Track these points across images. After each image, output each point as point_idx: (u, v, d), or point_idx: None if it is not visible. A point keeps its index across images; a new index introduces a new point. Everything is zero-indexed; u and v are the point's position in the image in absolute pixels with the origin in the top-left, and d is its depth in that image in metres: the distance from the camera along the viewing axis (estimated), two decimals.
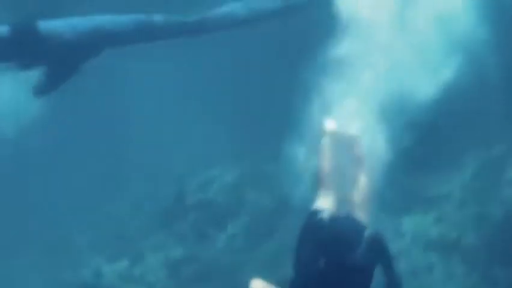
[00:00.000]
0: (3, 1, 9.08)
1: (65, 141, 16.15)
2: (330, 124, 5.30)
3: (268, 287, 4.47)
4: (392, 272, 4.42)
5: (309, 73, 5.86)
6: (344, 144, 5.51)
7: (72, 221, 14.11)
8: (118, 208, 14.15)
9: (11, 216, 14.52)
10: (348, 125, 5.61)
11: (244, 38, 11.26)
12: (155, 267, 11.54)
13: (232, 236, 11.63)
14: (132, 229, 12.99)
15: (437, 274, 9.36)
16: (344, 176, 5.27)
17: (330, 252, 4.41)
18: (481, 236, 9.36)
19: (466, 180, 10.37)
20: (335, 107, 5.66)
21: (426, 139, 10.64)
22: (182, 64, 14.63)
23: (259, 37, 11.62)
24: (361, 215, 4.90)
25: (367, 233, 4.59)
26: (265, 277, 4.72)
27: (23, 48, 7.89)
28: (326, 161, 5.10)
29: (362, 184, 5.18)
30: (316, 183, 5.08)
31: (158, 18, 8.71)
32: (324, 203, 4.93)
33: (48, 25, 7.97)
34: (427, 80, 6.31)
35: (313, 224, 4.70)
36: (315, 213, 4.80)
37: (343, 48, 5.94)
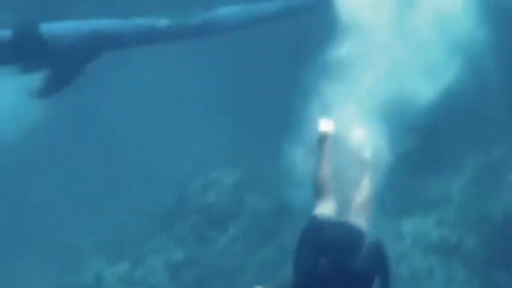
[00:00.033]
0: (8, 4, 9.09)
1: (66, 145, 16.16)
2: (326, 127, 5.27)
3: None
4: (387, 284, 4.42)
5: (309, 75, 5.87)
6: (345, 146, 5.51)
7: (72, 224, 14.11)
8: (119, 211, 14.15)
9: (12, 219, 14.52)
10: (351, 127, 5.61)
11: (244, 39, 11.29)
12: (156, 270, 11.53)
13: (232, 239, 11.63)
14: (133, 232, 12.98)
15: (438, 277, 9.35)
16: (344, 179, 5.27)
17: (330, 258, 4.42)
18: (482, 239, 9.36)
19: (466, 183, 10.37)
20: (335, 109, 5.67)
21: (427, 142, 10.64)
22: (182, 66, 14.64)
23: (259, 38, 11.65)
24: (361, 219, 4.90)
25: (369, 240, 4.60)
26: (266, 280, 4.72)
27: (25, 51, 7.92)
28: (325, 168, 5.08)
29: (364, 188, 5.17)
30: (315, 191, 5.07)
31: (160, 21, 8.75)
32: (325, 209, 4.93)
33: (50, 28, 8.01)
34: (427, 83, 6.32)
35: (313, 229, 4.70)
36: (315, 218, 4.81)
37: (343, 50, 5.95)
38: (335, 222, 4.77)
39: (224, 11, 9.16)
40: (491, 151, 10.46)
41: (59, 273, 12.53)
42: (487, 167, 10.33)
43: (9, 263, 13.38)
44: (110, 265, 12.20)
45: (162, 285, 11.40)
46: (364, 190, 5.16)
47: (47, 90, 8.74)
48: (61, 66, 8.36)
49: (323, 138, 5.19)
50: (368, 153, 5.41)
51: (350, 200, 5.12)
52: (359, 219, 4.89)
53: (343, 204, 5.13)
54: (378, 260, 4.47)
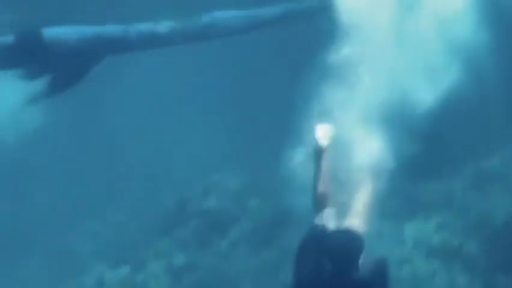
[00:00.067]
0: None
1: (67, 148, 16.19)
2: (322, 140, 5.23)
3: None
4: None
5: (310, 78, 5.88)
6: (345, 151, 5.52)
7: (74, 227, 14.12)
8: (120, 215, 14.15)
9: (13, 222, 14.54)
10: (352, 132, 5.62)
11: (247, 43, 11.31)
12: (157, 274, 11.52)
13: (233, 243, 11.62)
14: (134, 236, 12.98)
15: (439, 281, 9.33)
16: (343, 183, 5.28)
17: (330, 264, 4.43)
18: (483, 242, 9.35)
19: (467, 186, 10.37)
20: (335, 113, 5.67)
21: (428, 146, 10.65)
22: (184, 68, 14.67)
23: (261, 41, 11.67)
24: (360, 224, 4.91)
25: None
26: (267, 285, 4.74)
27: (28, 56, 7.94)
28: (323, 181, 5.08)
29: (364, 192, 5.18)
30: (315, 204, 5.07)
31: (162, 26, 8.77)
32: (324, 220, 4.95)
33: (52, 32, 8.03)
34: (428, 87, 6.32)
35: (313, 237, 4.72)
36: (315, 228, 4.83)
37: (343, 53, 5.96)
38: (334, 230, 4.79)
39: (225, 15, 9.17)
40: (492, 155, 10.46)
41: (60, 277, 12.52)
42: (488, 171, 10.34)
43: (11, 266, 13.39)
44: (111, 269, 12.19)
45: None
46: (363, 195, 5.17)
47: (49, 94, 8.76)
48: (63, 70, 8.38)
49: (319, 152, 5.16)
50: (367, 158, 5.41)
51: (349, 204, 5.13)
52: (358, 224, 4.90)
53: (342, 209, 5.14)
54: (380, 279, 4.50)
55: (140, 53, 9.43)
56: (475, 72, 6.84)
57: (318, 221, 4.91)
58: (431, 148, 10.69)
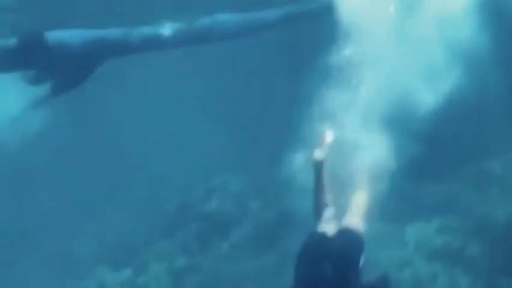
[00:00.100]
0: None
1: (68, 151, 16.20)
2: (320, 154, 5.22)
3: None
4: None
5: (311, 81, 5.89)
6: (345, 152, 5.52)
7: (75, 230, 14.13)
8: (122, 217, 14.16)
9: (15, 225, 14.55)
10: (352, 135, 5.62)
11: (248, 45, 11.33)
12: (159, 276, 11.52)
13: (235, 245, 11.62)
14: (135, 238, 12.99)
15: (441, 283, 9.32)
16: (343, 185, 5.29)
17: (330, 268, 4.45)
18: (484, 244, 9.34)
19: (468, 189, 10.36)
20: (337, 115, 5.68)
21: (429, 149, 10.63)
22: (184, 73, 14.69)
23: (262, 44, 11.69)
24: (360, 226, 4.92)
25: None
26: (268, 287, 4.75)
27: (30, 59, 7.98)
28: (323, 192, 5.09)
29: (362, 194, 5.19)
30: (315, 213, 5.08)
31: (164, 29, 8.81)
32: (325, 217, 4.97)
33: (55, 36, 8.08)
34: (429, 90, 6.33)
35: (313, 241, 4.74)
36: (316, 232, 4.85)
37: (344, 56, 5.97)
38: (334, 233, 4.80)
39: (225, 18, 9.20)
40: (493, 158, 10.45)
41: (62, 279, 12.53)
42: (489, 174, 10.33)
43: (13, 268, 13.39)
44: (113, 271, 12.20)
45: None
46: (362, 196, 5.18)
47: (51, 97, 8.80)
48: (65, 73, 8.41)
49: (318, 164, 5.15)
50: (368, 160, 5.42)
51: (349, 205, 5.14)
52: (358, 225, 4.91)
53: (342, 209, 5.14)
54: None
55: (141, 55, 9.45)
56: (476, 74, 6.85)
57: (318, 228, 4.92)
58: (433, 151, 10.68)
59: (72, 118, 15.78)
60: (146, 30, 8.72)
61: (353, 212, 5.06)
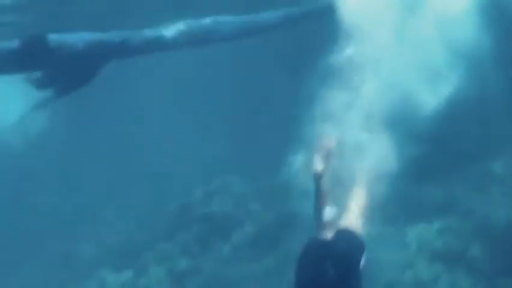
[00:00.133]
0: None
1: (70, 153, 16.22)
2: (319, 166, 5.20)
3: None
4: None
5: (312, 83, 5.88)
6: (346, 153, 5.51)
7: (77, 232, 14.14)
8: (123, 219, 14.17)
9: (16, 227, 14.57)
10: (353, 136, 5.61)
11: (248, 48, 11.33)
12: (160, 278, 11.52)
13: (236, 247, 11.62)
14: (136, 240, 12.99)
15: (442, 285, 9.30)
16: (342, 187, 5.28)
17: (332, 270, 4.45)
18: (486, 246, 9.32)
19: (470, 191, 10.35)
20: (338, 117, 5.67)
21: (431, 150, 10.63)
22: (185, 75, 14.70)
23: (263, 47, 11.70)
24: (360, 227, 4.91)
25: None
26: None
27: (33, 60, 7.99)
28: (324, 201, 5.08)
29: (362, 195, 5.18)
30: (317, 222, 5.08)
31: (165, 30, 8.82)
32: (326, 216, 4.97)
33: (58, 38, 8.09)
34: (432, 91, 6.32)
35: (314, 244, 4.73)
36: (316, 237, 4.85)
37: (345, 57, 5.96)
38: (334, 235, 4.80)
39: (226, 20, 9.21)
40: (495, 159, 10.44)
41: (63, 281, 12.54)
42: (491, 175, 10.31)
43: (14, 270, 13.42)
44: (114, 273, 12.20)
45: None
46: (362, 197, 5.17)
47: (54, 99, 8.82)
48: (68, 75, 8.44)
49: (317, 176, 5.14)
50: (367, 162, 5.41)
51: (349, 206, 5.13)
52: (358, 226, 4.90)
53: (343, 210, 5.14)
54: None
55: (143, 58, 9.47)
56: (478, 75, 6.83)
57: (319, 232, 4.92)
58: (434, 152, 10.67)
59: (73, 120, 15.79)
60: (148, 32, 8.73)
61: (353, 212, 5.05)
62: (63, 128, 16.25)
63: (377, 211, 5.38)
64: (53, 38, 8.02)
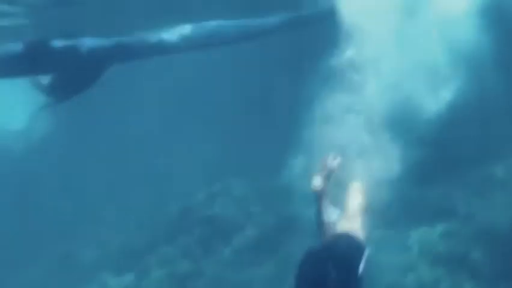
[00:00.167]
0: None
1: (72, 157, 16.24)
2: (318, 183, 5.20)
3: None
4: None
5: (313, 86, 5.89)
6: (348, 156, 5.51)
7: (78, 234, 14.15)
8: (124, 222, 14.18)
9: (18, 229, 14.58)
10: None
11: (249, 51, 11.34)
12: (161, 281, 11.52)
13: (237, 250, 11.61)
14: (138, 243, 13.00)
15: None
16: (344, 187, 5.28)
17: (334, 272, 4.45)
18: (488, 250, 9.31)
19: (471, 195, 10.34)
20: (339, 120, 5.68)
21: (433, 153, 10.62)
22: (186, 79, 14.72)
23: (264, 50, 11.70)
24: (360, 231, 4.90)
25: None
26: None
27: (36, 64, 8.02)
28: (325, 212, 5.09)
29: (363, 198, 5.18)
30: (319, 231, 5.09)
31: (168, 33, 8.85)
32: (328, 215, 4.98)
33: (61, 42, 8.14)
34: (433, 95, 6.32)
35: (313, 249, 4.74)
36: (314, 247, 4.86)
37: (346, 59, 5.97)
38: (334, 239, 4.80)
39: (229, 24, 9.23)
40: (497, 163, 10.43)
41: (65, 284, 12.55)
42: (493, 179, 10.31)
43: (16, 273, 13.43)
44: (115, 276, 12.21)
45: None
46: (362, 200, 5.16)
47: (56, 102, 8.86)
48: (71, 79, 8.47)
49: (318, 193, 5.14)
50: (367, 165, 5.41)
51: (349, 210, 5.12)
52: (357, 230, 4.90)
53: (344, 212, 5.14)
54: None
55: (145, 61, 9.50)
56: (479, 79, 6.83)
57: (320, 238, 4.93)
58: (436, 155, 10.67)
59: (74, 123, 15.82)
60: (151, 36, 8.77)
61: (353, 215, 5.04)
62: (64, 131, 16.28)
63: (379, 214, 5.38)
64: (56, 41, 8.06)
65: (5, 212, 14.38)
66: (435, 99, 6.31)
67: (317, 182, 5.09)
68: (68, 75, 8.42)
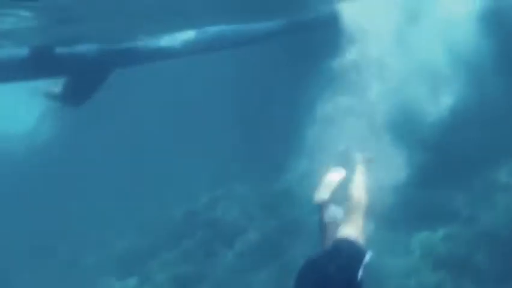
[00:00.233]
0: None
1: (75, 160, 16.26)
2: (321, 196, 5.23)
3: None
4: None
5: (315, 89, 5.91)
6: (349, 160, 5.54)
7: (82, 239, 14.17)
8: (127, 226, 14.19)
9: (20, 234, 14.60)
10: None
11: (251, 55, 11.37)
12: (164, 285, 11.54)
13: (239, 254, 11.62)
14: (141, 247, 13.01)
15: None
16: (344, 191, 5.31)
17: (332, 276, 4.48)
18: (490, 253, 9.31)
19: (474, 198, 10.34)
20: (340, 124, 5.71)
21: (435, 157, 10.63)
22: (189, 80, 14.74)
23: (265, 53, 11.73)
24: (360, 236, 4.93)
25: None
26: None
27: (42, 69, 8.08)
28: (326, 218, 5.13)
29: (365, 201, 5.21)
30: (321, 237, 5.12)
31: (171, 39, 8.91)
32: (330, 214, 5.01)
33: (66, 48, 8.20)
34: (435, 99, 6.35)
35: (313, 256, 4.77)
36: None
37: (349, 63, 6.00)
38: (334, 244, 4.83)
39: (230, 29, 9.29)
40: (499, 166, 10.43)
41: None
42: (495, 182, 10.31)
43: (18, 276, 13.44)
44: (119, 280, 12.23)
45: None
46: (364, 204, 5.19)
47: (63, 107, 8.92)
48: (76, 84, 8.53)
49: (321, 206, 5.17)
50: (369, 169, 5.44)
51: (350, 213, 5.15)
52: (358, 236, 4.92)
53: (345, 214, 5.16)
54: None
55: (148, 65, 9.55)
56: (482, 83, 6.85)
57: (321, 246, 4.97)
58: (438, 159, 10.67)
59: (78, 126, 15.85)
60: (154, 41, 8.83)
61: (354, 221, 5.06)
62: (68, 134, 16.32)
63: (382, 218, 5.40)
64: (62, 48, 8.13)
65: (9, 214, 14.40)
66: (437, 104, 6.34)
67: (322, 194, 5.14)
68: (79, 82, 8.48)
